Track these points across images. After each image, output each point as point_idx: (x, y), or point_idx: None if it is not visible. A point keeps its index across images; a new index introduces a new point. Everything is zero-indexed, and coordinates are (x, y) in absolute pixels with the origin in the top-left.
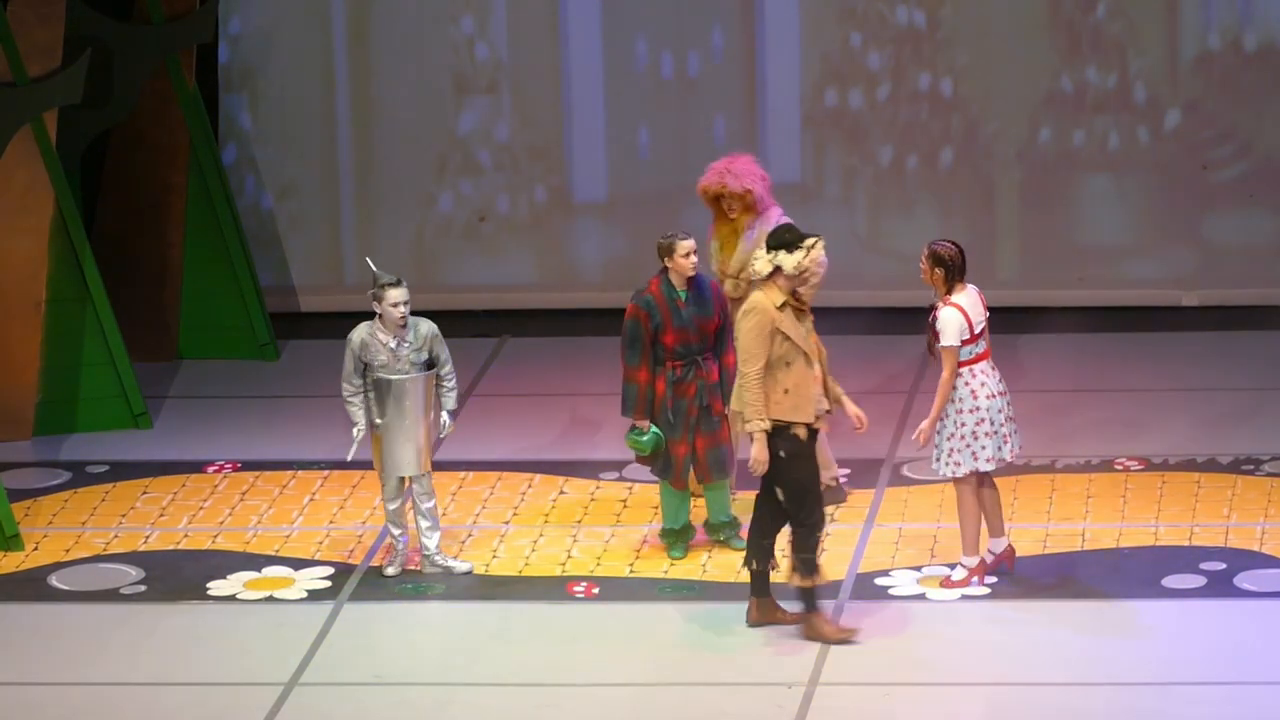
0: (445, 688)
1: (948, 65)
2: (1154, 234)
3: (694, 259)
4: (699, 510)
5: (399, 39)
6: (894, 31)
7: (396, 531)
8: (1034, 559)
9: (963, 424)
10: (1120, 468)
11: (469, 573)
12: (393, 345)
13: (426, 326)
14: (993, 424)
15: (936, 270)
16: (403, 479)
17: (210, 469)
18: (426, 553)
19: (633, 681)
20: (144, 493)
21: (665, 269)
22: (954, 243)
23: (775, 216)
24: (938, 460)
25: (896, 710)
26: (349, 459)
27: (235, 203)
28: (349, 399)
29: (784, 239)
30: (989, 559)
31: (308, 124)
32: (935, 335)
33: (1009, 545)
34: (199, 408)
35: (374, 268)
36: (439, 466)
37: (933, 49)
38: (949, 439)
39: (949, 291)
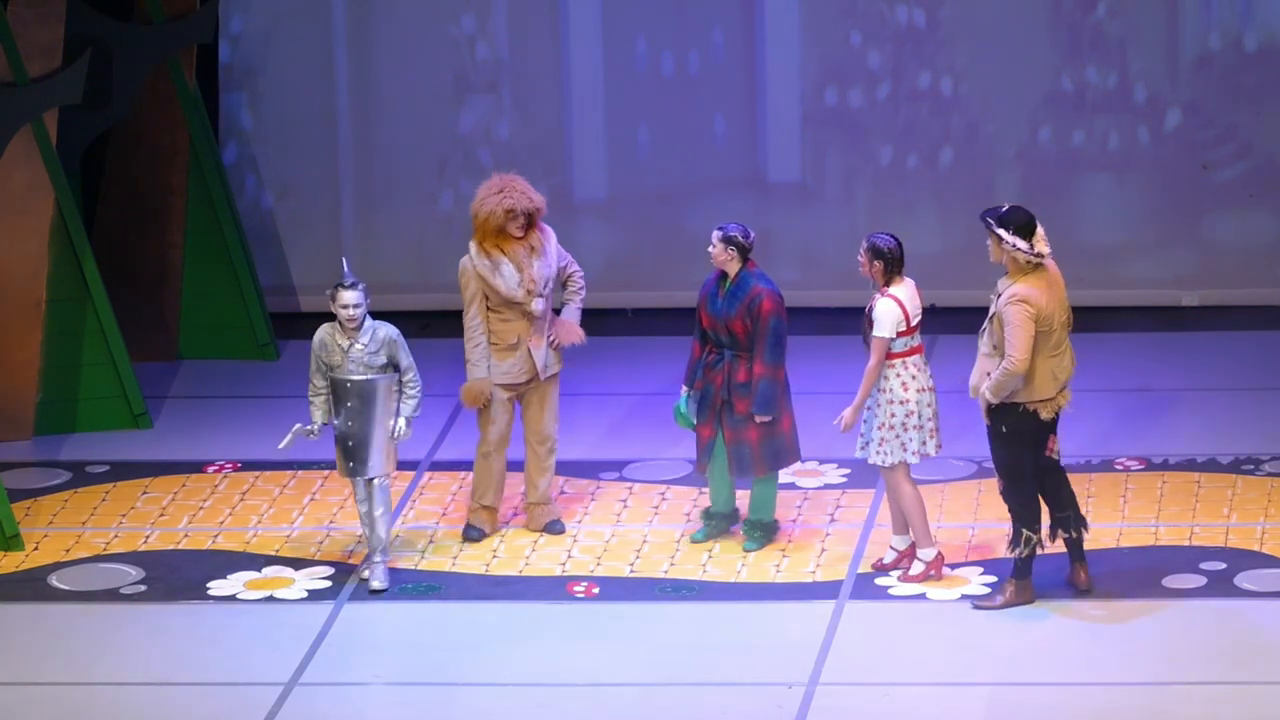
0: (445, 688)
1: (948, 65)
2: (1154, 234)
3: (711, 251)
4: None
5: (399, 39)
6: (894, 31)
7: (368, 533)
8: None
9: (892, 414)
10: (1120, 468)
11: (381, 592)
12: (344, 346)
13: (385, 331)
14: (920, 418)
15: (875, 263)
16: (366, 482)
17: (210, 469)
18: (368, 554)
19: (633, 681)
20: (144, 493)
21: None
22: (893, 236)
23: (546, 228)
24: (864, 449)
25: (896, 710)
26: (279, 448)
27: (235, 203)
28: (311, 398)
29: (1029, 221)
30: (891, 557)
31: (308, 124)
32: (870, 323)
33: (912, 543)
34: (199, 408)
35: (345, 268)
36: (439, 467)
37: (933, 48)
38: (878, 429)
39: (887, 284)
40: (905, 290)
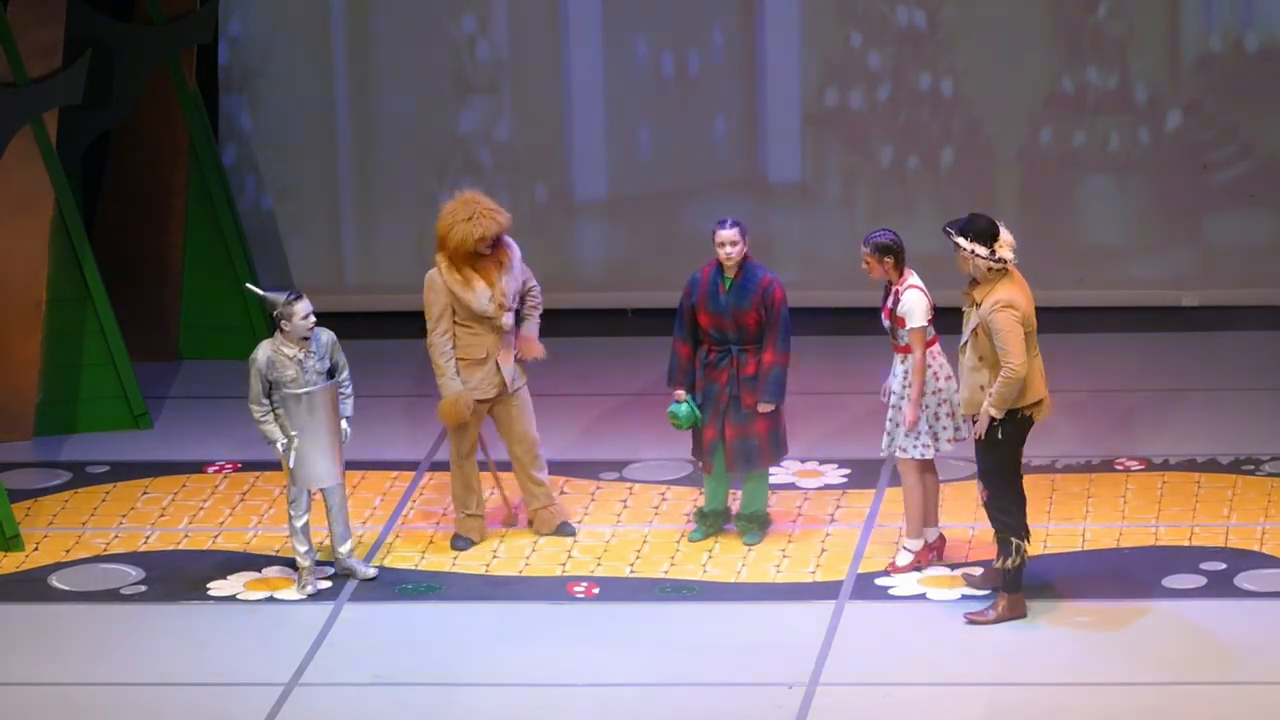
0: (445, 688)
1: (948, 65)
2: (1154, 234)
3: (729, 250)
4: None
5: (399, 39)
6: (894, 32)
7: (303, 549)
8: (1034, 559)
9: (926, 407)
10: (1120, 468)
11: (375, 579)
12: (300, 358)
13: (327, 335)
14: (951, 405)
15: (886, 259)
16: (310, 492)
17: (210, 469)
18: (338, 558)
19: (633, 681)
20: (144, 493)
21: None
22: (888, 229)
23: (509, 241)
24: (890, 444)
25: (896, 710)
26: (290, 466)
27: (235, 203)
28: (261, 419)
29: (990, 227)
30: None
31: (308, 124)
32: (899, 321)
33: (940, 535)
34: (199, 408)
35: (261, 292)
36: (439, 467)
37: (933, 49)
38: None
39: (902, 275)
40: (920, 280)
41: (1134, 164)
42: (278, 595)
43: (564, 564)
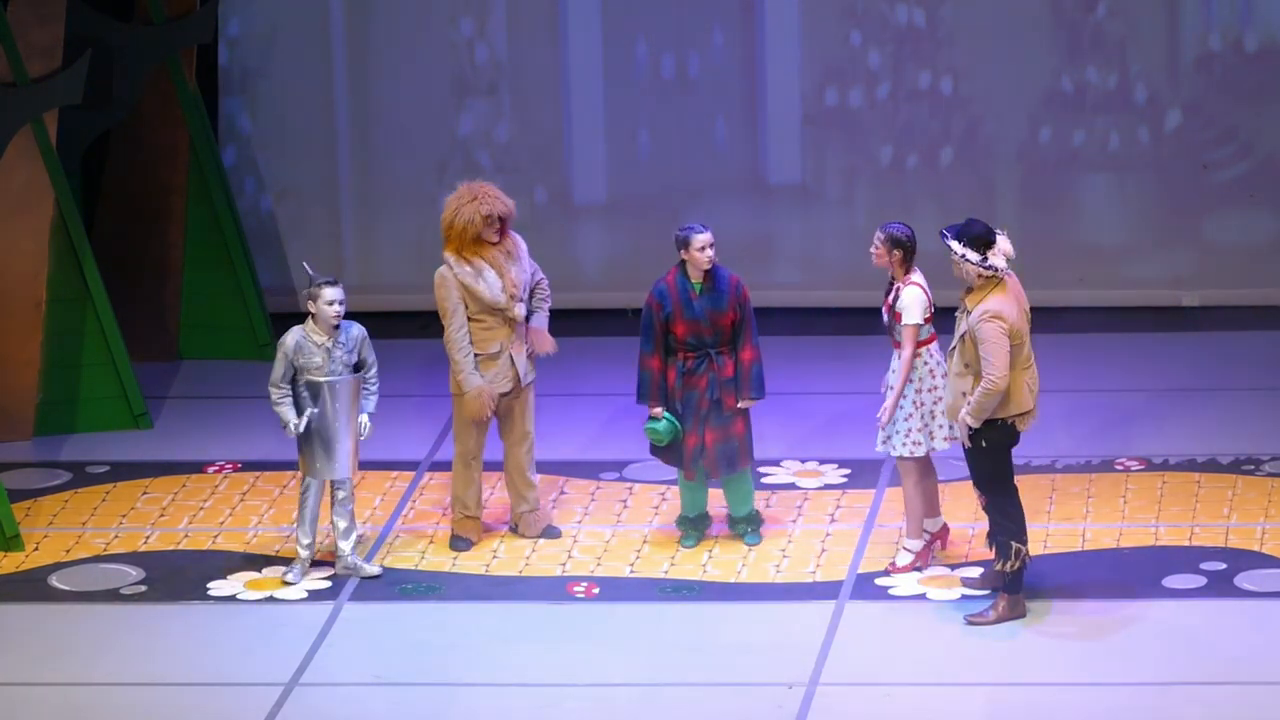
0: (445, 688)
1: (948, 65)
2: (1154, 234)
3: (710, 252)
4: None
5: (399, 40)
6: (894, 31)
7: (306, 541)
8: (1034, 559)
9: (922, 404)
10: (1120, 468)
11: (378, 577)
12: (328, 346)
13: (358, 329)
14: (945, 403)
15: (895, 252)
16: (323, 484)
17: (210, 469)
18: (340, 554)
19: (633, 681)
20: (144, 493)
21: (683, 261)
22: (905, 224)
23: (515, 234)
24: (888, 440)
25: (896, 710)
26: (300, 430)
27: (235, 203)
28: (278, 401)
29: (985, 234)
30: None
31: (307, 125)
32: (897, 315)
33: (944, 524)
34: (199, 408)
35: (309, 269)
36: (439, 467)
37: (933, 48)
38: (907, 419)
39: (906, 272)
40: (922, 278)
41: (1134, 164)
42: (277, 595)
43: (564, 564)
